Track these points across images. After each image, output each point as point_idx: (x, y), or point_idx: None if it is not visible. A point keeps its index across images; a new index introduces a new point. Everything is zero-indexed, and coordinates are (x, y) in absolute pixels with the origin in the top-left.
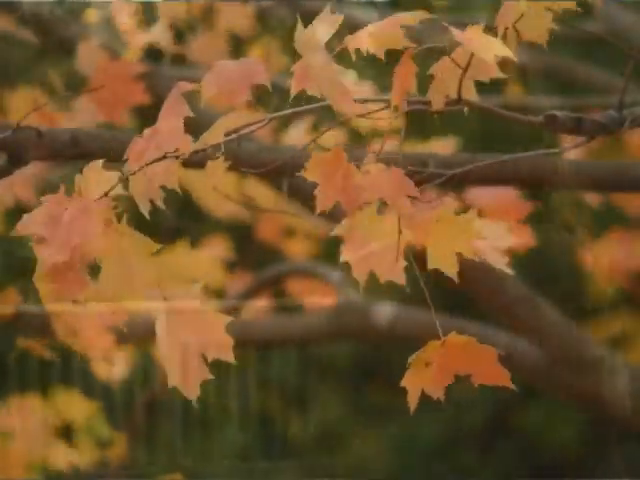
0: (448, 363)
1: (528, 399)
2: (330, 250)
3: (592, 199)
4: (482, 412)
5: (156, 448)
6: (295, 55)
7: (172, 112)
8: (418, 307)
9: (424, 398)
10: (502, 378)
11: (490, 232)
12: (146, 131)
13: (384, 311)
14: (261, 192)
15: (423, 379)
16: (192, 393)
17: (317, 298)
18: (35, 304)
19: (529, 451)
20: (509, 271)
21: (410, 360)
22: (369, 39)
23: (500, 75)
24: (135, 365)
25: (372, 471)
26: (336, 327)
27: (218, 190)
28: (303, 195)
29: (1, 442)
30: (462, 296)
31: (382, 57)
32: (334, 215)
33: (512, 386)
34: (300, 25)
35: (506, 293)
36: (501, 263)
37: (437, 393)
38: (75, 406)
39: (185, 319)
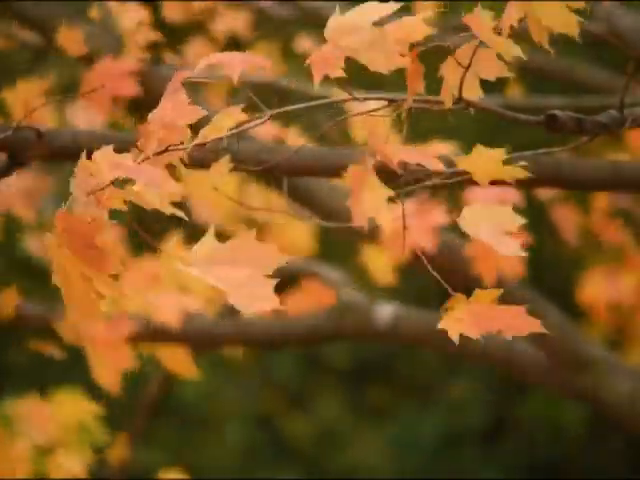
0: (478, 319)
1: (527, 398)
2: (329, 250)
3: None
4: (481, 412)
5: (157, 447)
6: (288, 57)
7: (172, 98)
8: (418, 307)
9: (424, 398)
10: (533, 326)
11: (496, 217)
12: (151, 116)
13: (384, 311)
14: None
15: (460, 326)
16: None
17: (317, 298)
18: (35, 304)
19: (528, 449)
20: (523, 254)
21: (442, 310)
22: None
23: (506, 74)
24: (136, 365)
25: (372, 471)
26: (336, 327)
27: (219, 190)
28: (302, 194)
29: (2, 442)
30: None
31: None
32: (333, 215)
33: (543, 330)
34: (338, 12)
35: (507, 293)
36: (513, 247)
37: (475, 334)
38: (74, 407)
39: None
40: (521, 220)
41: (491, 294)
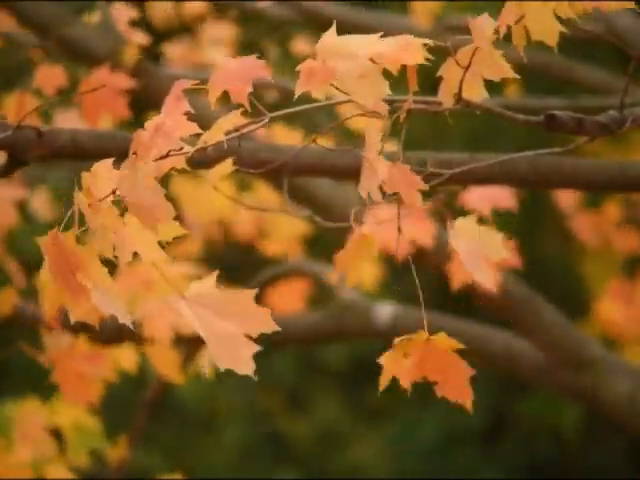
0: (423, 363)
1: (527, 398)
2: (326, 251)
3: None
4: (481, 412)
5: (156, 449)
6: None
7: (174, 108)
8: (418, 307)
9: (424, 398)
10: (466, 398)
11: (484, 240)
12: (148, 124)
13: (384, 311)
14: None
15: (398, 366)
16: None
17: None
18: (34, 304)
19: (528, 449)
20: (492, 288)
21: (395, 342)
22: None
23: (510, 75)
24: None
25: (372, 471)
26: (336, 327)
27: (219, 190)
28: (302, 193)
29: (1, 445)
30: (463, 296)
31: (395, 72)
32: (333, 214)
33: (470, 410)
34: (333, 31)
35: (507, 293)
36: (486, 276)
37: (405, 384)
38: (74, 408)
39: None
40: (505, 254)
41: (451, 343)
